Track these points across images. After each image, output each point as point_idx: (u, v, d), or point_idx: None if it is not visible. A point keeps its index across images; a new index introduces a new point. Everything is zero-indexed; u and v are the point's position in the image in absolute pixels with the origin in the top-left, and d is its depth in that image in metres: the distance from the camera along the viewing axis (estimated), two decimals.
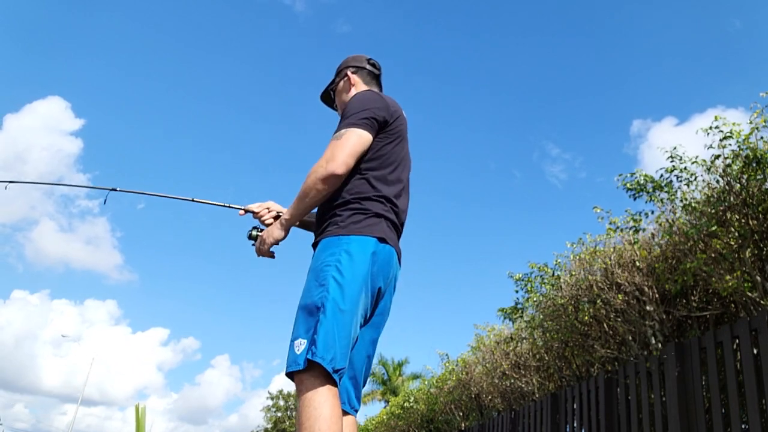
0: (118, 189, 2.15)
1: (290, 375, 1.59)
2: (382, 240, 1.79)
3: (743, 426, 3.09)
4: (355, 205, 1.81)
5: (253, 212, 2.11)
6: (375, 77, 2.25)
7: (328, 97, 2.31)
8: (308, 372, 1.56)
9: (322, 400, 1.52)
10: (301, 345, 1.59)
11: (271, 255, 1.96)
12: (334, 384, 1.58)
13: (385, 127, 1.93)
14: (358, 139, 1.82)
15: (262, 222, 2.10)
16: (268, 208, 2.11)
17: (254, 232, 2.04)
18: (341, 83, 2.22)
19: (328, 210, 1.85)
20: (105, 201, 2.17)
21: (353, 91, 2.17)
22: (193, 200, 2.13)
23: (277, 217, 2.10)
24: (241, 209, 2.12)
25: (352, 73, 2.21)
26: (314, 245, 1.86)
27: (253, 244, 2.02)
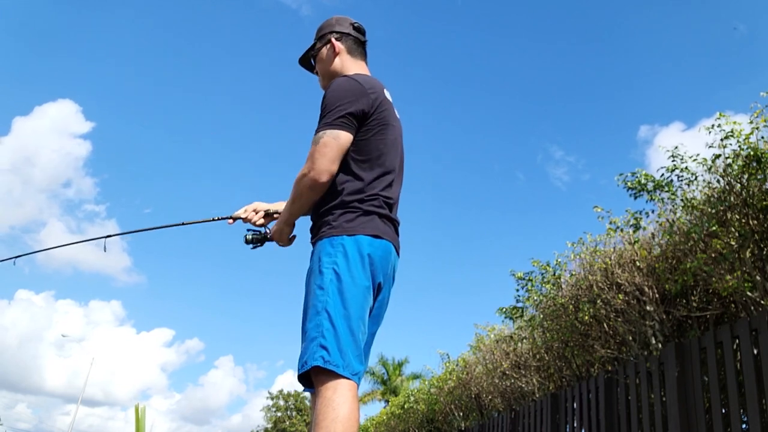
0: (111, 235, 2.33)
1: (305, 374, 1.59)
2: (375, 236, 1.77)
3: (743, 426, 3.09)
4: (346, 204, 1.78)
5: (241, 219, 2.12)
6: (361, 44, 2.08)
7: (308, 62, 2.15)
8: (327, 372, 1.56)
9: (342, 401, 1.53)
10: (312, 350, 1.58)
11: (291, 241, 1.99)
12: (354, 383, 1.59)
13: (366, 119, 1.82)
14: (335, 143, 1.76)
15: (254, 225, 2.10)
16: (255, 210, 2.11)
17: (250, 236, 2.06)
18: (324, 50, 2.06)
19: (320, 211, 1.83)
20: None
21: (338, 61, 2.03)
22: (183, 224, 2.19)
23: (267, 215, 2.11)
24: (229, 219, 2.12)
25: (336, 39, 2.04)
26: (313, 244, 1.86)
27: (253, 247, 2.05)
